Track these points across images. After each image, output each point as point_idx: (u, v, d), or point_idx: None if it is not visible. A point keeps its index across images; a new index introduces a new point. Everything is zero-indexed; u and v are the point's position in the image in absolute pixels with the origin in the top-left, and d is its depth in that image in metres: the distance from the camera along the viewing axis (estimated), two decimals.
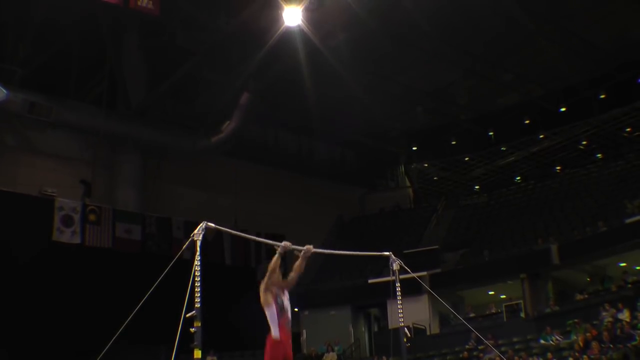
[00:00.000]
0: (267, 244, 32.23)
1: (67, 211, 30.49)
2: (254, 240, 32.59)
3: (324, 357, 31.25)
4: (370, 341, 34.80)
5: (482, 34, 32.54)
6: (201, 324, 9.11)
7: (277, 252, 10.43)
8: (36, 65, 31.37)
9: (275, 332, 10.10)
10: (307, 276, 36.72)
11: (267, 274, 10.26)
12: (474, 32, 32.27)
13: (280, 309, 10.23)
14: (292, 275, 10.67)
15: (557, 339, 25.91)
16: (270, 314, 10.16)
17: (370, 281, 33.33)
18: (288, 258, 10.72)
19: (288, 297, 10.50)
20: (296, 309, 35.46)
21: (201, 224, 9.71)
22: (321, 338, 32.65)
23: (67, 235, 30.25)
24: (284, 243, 10.53)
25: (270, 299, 10.18)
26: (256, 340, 31.78)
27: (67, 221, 30.37)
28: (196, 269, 9.36)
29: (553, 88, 37.68)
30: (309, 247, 10.80)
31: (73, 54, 32.61)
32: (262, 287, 10.27)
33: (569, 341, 25.19)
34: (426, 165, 46.30)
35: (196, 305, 9.18)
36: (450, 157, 44.56)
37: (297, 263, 10.75)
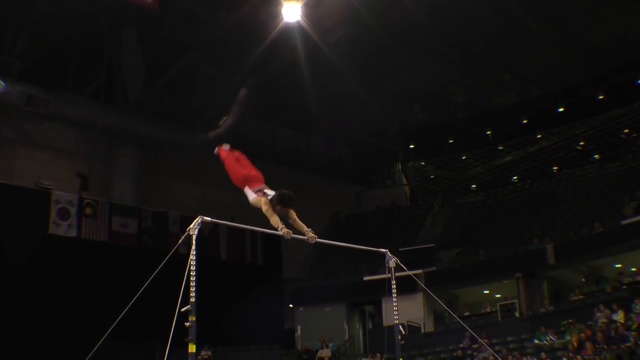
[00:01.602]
0: (263, 239, 32.11)
1: (63, 204, 30.45)
2: (251, 232, 32.68)
3: (318, 354, 31.25)
4: (365, 338, 34.85)
5: (481, 33, 32.55)
6: (196, 319, 9.12)
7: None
8: (34, 58, 31.33)
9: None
10: (302, 272, 36.80)
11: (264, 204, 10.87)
12: (473, 30, 32.28)
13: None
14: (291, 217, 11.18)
15: (551, 339, 25.95)
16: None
17: (365, 278, 33.39)
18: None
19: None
20: (291, 305, 35.58)
21: (197, 219, 9.70)
22: (315, 334, 32.66)
23: (63, 229, 30.21)
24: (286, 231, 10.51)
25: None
26: (251, 336, 31.92)
27: (64, 214, 30.33)
28: (191, 263, 9.36)
29: (551, 88, 37.68)
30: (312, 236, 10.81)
31: (71, 47, 32.59)
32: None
33: (563, 341, 25.23)
34: (423, 163, 46.33)
35: (191, 300, 9.19)
36: (447, 156, 44.59)
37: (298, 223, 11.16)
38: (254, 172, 12.00)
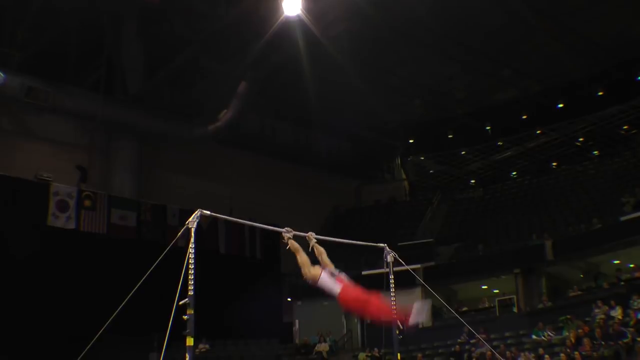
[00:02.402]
0: (262, 233, 32.09)
1: (62, 196, 30.46)
2: (250, 226, 32.66)
3: (316, 348, 31.32)
4: (363, 333, 34.82)
5: (482, 29, 32.53)
6: (194, 312, 9.12)
7: (288, 240, 10.73)
8: (34, 50, 31.27)
9: (336, 289, 10.61)
10: (299, 267, 36.77)
11: (302, 269, 10.67)
12: (473, 26, 32.27)
13: (331, 275, 10.66)
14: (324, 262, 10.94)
15: (549, 335, 25.98)
16: (324, 282, 10.64)
17: (364, 273, 33.34)
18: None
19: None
20: (289, 299, 35.60)
21: (196, 212, 9.71)
22: (314, 329, 32.71)
23: (62, 221, 30.23)
24: (285, 229, 10.61)
25: (318, 272, 10.65)
26: (250, 329, 31.94)
27: (63, 206, 30.34)
28: (190, 256, 9.36)
29: (551, 84, 37.71)
30: (310, 234, 10.96)
31: (72, 39, 32.49)
32: (306, 276, 10.72)
33: (560, 337, 25.27)
34: (422, 158, 46.35)
35: (189, 293, 9.19)
36: (446, 151, 44.58)
37: (321, 259, 10.98)
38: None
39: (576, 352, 22.70)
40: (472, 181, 47.80)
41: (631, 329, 22.72)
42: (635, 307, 24.02)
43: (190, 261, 9.34)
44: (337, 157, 43.98)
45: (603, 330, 23.47)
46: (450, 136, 43.01)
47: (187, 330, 9.07)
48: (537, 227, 32.66)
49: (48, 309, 27.91)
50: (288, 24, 27.94)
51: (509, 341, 27.25)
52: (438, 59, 35.22)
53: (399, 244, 31.61)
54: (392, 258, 12.04)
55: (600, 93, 36.94)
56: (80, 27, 32.06)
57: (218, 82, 34.26)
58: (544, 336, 26.09)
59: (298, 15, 26.87)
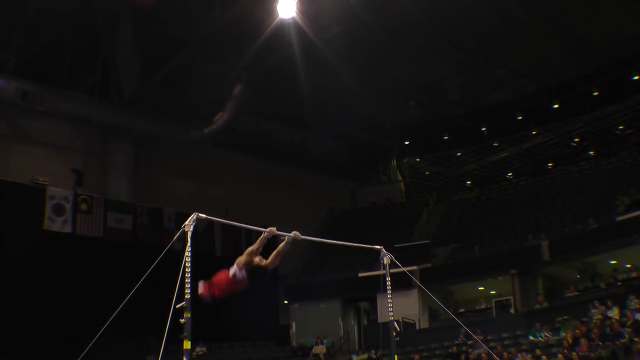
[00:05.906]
0: (258, 235, 32.22)
1: (58, 200, 30.45)
2: (245, 229, 32.62)
3: (313, 350, 31.29)
4: (360, 335, 34.84)
5: (477, 29, 32.56)
6: (191, 315, 9.11)
7: (262, 236, 10.60)
8: (30, 54, 31.27)
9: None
10: (297, 269, 36.78)
11: (245, 254, 10.60)
12: (468, 27, 32.29)
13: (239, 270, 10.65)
14: (272, 257, 10.97)
15: (546, 336, 25.97)
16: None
17: (360, 275, 33.38)
18: (281, 242, 10.77)
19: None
20: (286, 302, 35.56)
21: (192, 215, 9.71)
22: (311, 331, 32.68)
23: (58, 224, 30.21)
24: (269, 229, 10.57)
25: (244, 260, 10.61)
26: (246, 332, 31.90)
27: (59, 210, 30.33)
28: (186, 259, 9.35)
29: (546, 84, 37.72)
30: (296, 233, 10.88)
31: (67, 43, 32.51)
32: (239, 263, 10.70)
33: (558, 338, 25.26)
34: (418, 159, 46.32)
35: (186, 296, 9.18)
36: (442, 152, 44.56)
37: (281, 246, 10.92)
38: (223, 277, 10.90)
39: (573, 353, 22.72)
40: (468, 182, 47.79)
41: (628, 329, 22.74)
42: (633, 307, 24.03)
43: (186, 265, 9.33)
44: (333, 158, 43.99)
45: (600, 331, 23.48)
46: (445, 137, 43.01)
47: (184, 334, 9.07)
48: (533, 228, 32.64)
49: (45, 313, 27.93)
50: (283, 26, 27.98)
51: (506, 342, 27.24)
52: (433, 60, 35.23)
53: (395, 245, 31.63)
54: (389, 260, 12.04)
55: (596, 93, 36.92)
56: (75, 30, 32.11)
57: (213, 85, 34.27)
58: (541, 337, 26.09)
59: (293, 18, 26.89)
